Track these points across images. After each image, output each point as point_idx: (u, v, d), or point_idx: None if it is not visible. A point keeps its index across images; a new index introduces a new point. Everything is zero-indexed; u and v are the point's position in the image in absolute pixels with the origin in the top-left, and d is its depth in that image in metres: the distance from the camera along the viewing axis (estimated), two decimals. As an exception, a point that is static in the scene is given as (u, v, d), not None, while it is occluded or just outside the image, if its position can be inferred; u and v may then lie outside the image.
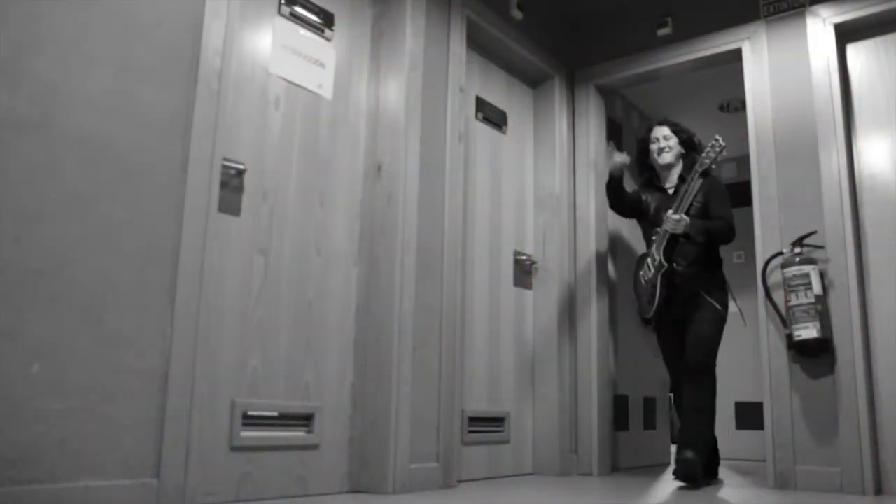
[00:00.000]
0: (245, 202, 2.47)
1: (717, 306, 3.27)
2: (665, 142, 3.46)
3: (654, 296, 3.29)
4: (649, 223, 3.47)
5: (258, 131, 2.55)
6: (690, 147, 3.49)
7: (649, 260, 3.35)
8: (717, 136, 3.22)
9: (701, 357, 3.19)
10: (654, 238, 3.36)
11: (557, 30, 4.09)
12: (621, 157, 3.43)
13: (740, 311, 3.75)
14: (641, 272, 3.42)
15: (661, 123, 3.54)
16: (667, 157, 3.44)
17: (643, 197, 3.54)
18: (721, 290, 3.33)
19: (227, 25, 2.29)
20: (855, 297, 3.08)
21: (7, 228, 1.73)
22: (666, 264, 3.26)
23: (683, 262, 3.28)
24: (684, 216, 3.20)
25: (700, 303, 3.27)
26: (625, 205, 3.54)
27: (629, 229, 4.46)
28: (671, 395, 3.28)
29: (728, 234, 3.29)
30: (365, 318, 2.82)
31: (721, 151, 3.20)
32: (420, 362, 2.84)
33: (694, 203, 3.30)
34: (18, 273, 1.73)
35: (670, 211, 3.21)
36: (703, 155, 3.23)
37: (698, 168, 3.22)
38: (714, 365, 3.27)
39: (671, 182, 3.48)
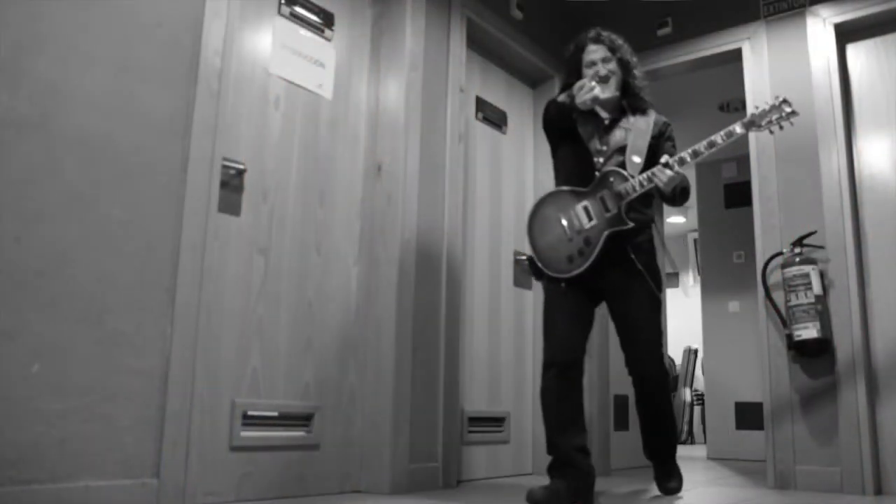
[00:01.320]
0: (245, 202, 2.47)
1: (654, 289, 2.66)
2: (604, 66, 2.74)
3: (582, 253, 2.52)
4: (578, 156, 2.67)
5: (258, 131, 2.55)
6: (626, 68, 2.80)
7: (587, 207, 2.57)
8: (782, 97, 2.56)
9: (659, 365, 2.72)
10: (599, 174, 2.60)
11: (557, 30, 4.09)
12: (594, 94, 2.48)
13: (670, 260, 3.26)
14: (565, 220, 2.58)
15: (595, 40, 2.80)
16: (609, 90, 2.71)
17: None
18: (652, 258, 2.70)
19: (227, 25, 2.29)
20: (855, 297, 3.08)
21: (7, 228, 1.73)
22: (630, 223, 2.53)
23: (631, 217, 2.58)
24: (679, 171, 2.54)
25: (633, 278, 2.61)
26: (558, 132, 2.74)
27: (629, 229, 4.46)
28: (545, 388, 2.54)
29: (688, 195, 2.74)
30: (365, 318, 2.82)
31: (787, 117, 2.52)
32: (420, 362, 2.84)
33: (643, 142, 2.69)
34: (18, 273, 1.73)
35: (668, 160, 2.52)
36: (762, 113, 2.53)
37: (748, 128, 2.54)
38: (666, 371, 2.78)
39: (607, 111, 2.75)
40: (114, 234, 1.94)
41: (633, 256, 2.59)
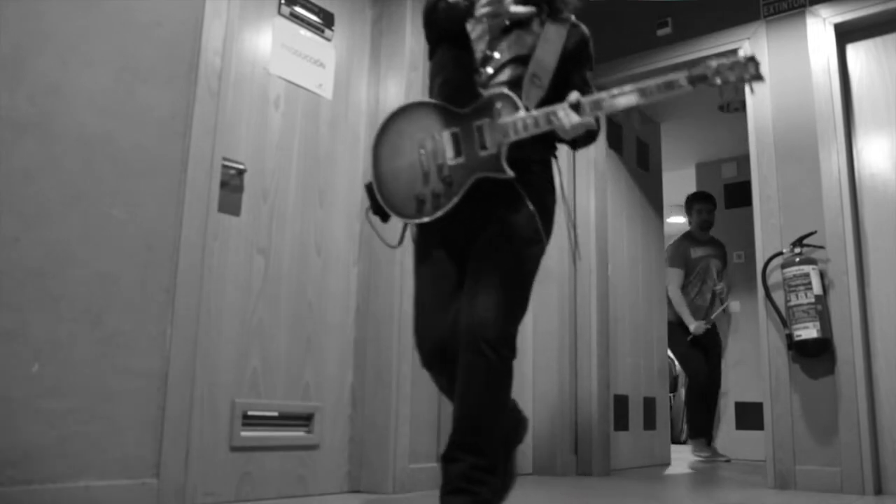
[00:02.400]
0: (245, 202, 2.47)
1: (539, 230, 1.90)
2: None
3: (437, 198, 1.84)
4: (459, 63, 1.97)
5: (258, 131, 2.55)
6: None
7: (457, 135, 1.85)
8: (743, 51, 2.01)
9: (502, 340, 1.77)
10: (484, 94, 1.87)
11: (557, 30, 4.09)
12: (508, 8, 1.89)
13: (573, 234, 2.19)
14: (425, 146, 1.87)
15: None
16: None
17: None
18: (545, 201, 1.96)
19: (227, 25, 2.29)
20: (855, 297, 3.08)
21: (7, 228, 1.73)
22: (508, 173, 1.80)
23: (522, 153, 1.87)
24: (590, 118, 1.79)
25: (515, 207, 1.88)
26: (439, 32, 2.04)
27: (629, 229, 4.46)
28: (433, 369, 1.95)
29: (594, 138, 2.05)
30: (365, 318, 2.82)
31: (749, 80, 1.71)
32: (420, 362, 2.84)
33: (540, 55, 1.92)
34: (18, 273, 1.73)
35: (578, 100, 1.78)
36: (720, 67, 1.72)
37: (694, 82, 1.72)
38: (515, 337, 1.81)
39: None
40: (114, 234, 1.94)
41: (522, 194, 1.88)
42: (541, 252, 1.90)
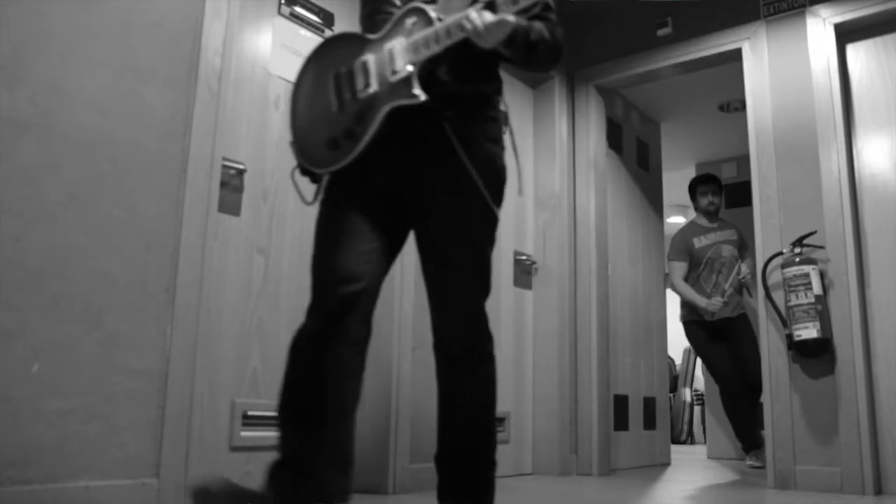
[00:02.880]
0: (245, 202, 2.47)
1: (490, 205, 1.62)
2: None
3: (351, 136, 1.56)
4: None
5: (258, 131, 2.55)
6: None
7: (367, 63, 1.58)
8: None
9: (477, 332, 1.74)
10: (396, 11, 1.61)
11: (557, 30, 4.09)
12: None
13: (519, 172, 1.88)
14: (333, 86, 1.63)
15: None
16: None
17: None
18: (492, 159, 1.66)
19: (227, 25, 2.29)
20: (855, 297, 3.08)
21: (7, 228, 1.72)
22: (418, 96, 1.51)
23: (447, 77, 1.59)
24: (513, 16, 1.48)
25: (455, 184, 1.59)
26: None
27: (629, 229, 4.46)
28: (294, 342, 1.62)
29: (556, 53, 1.72)
30: (365, 318, 2.82)
31: None
32: (420, 362, 2.84)
33: None
34: (18, 273, 1.73)
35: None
36: None
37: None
38: (486, 325, 1.75)
39: None
40: (114, 234, 1.94)
41: (457, 146, 1.57)
42: (494, 226, 1.66)
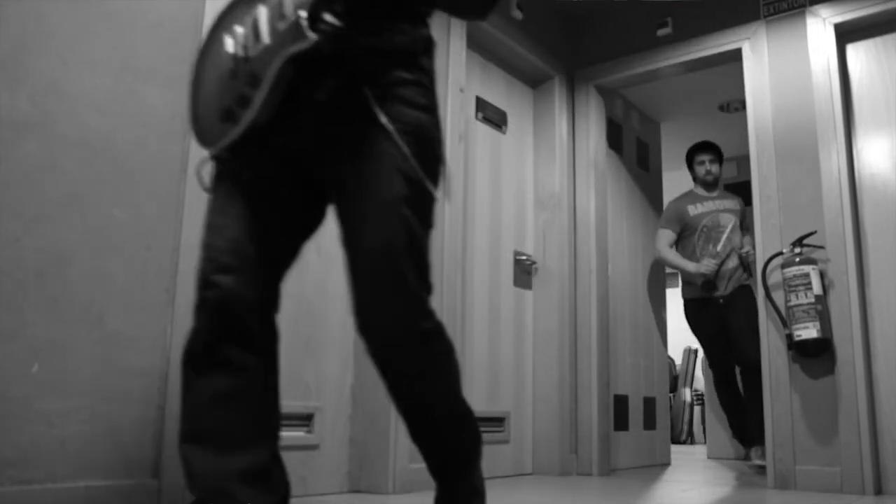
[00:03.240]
0: (245, 202, 2.47)
1: (418, 173, 1.31)
2: None
3: (244, 103, 1.30)
4: None
5: (258, 131, 2.55)
6: None
7: (257, 18, 1.32)
8: None
9: (413, 319, 1.32)
10: None
11: (557, 30, 4.09)
12: None
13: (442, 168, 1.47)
14: (231, 42, 1.37)
15: None
16: None
17: None
18: (423, 121, 1.35)
19: (227, 25, 2.28)
20: (855, 297, 3.08)
21: (7, 228, 1.73)
22: (310, 35, 1.23)
23: (346, 21, 1.27)
24: None
25: (374, 147, 1.30)
26: None
27: (629, 229, 4.46)
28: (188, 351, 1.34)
29: None
30: (365, 318, 2.82)
31: None
32: (420, 362, 2.84)
33: None
34: (18, 273, 1.73)
35: None
36: None
37: None
38: (427, 306, 1.35)
39: None
40: (114, 234, 1.94)
41: (375, 109, 1.28)
42: (430, 206, 1.35)
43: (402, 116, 1.30)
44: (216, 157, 1.36)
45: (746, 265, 4.04)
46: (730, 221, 4.07)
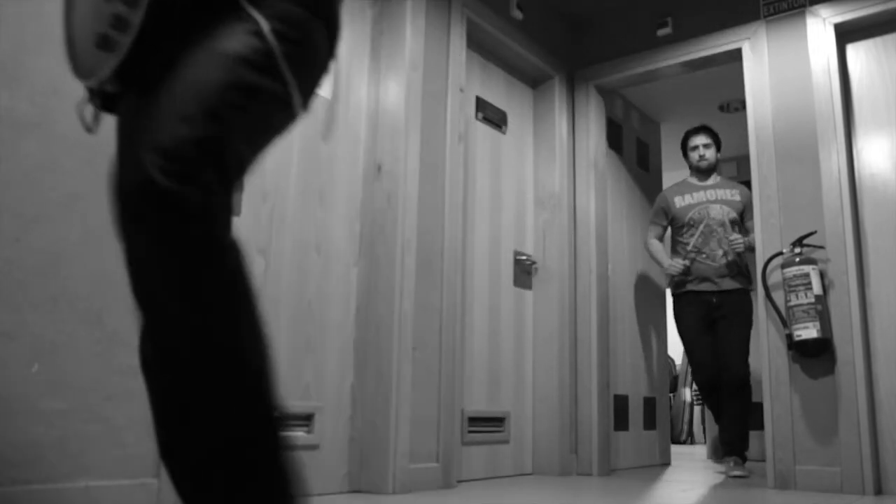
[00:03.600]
0: (245, 202, 2.47)
1: (273, 60, 1.00)
2: None
3: (119, 26, 1.02)
4: None
5: (258, 131, 2.55)
6: None
7: None
8: None
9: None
10: None
11: (557, 30, 4.09)
12: None
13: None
14: None
15: None
16: None
17: None
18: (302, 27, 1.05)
19: (227, 25, 2.28)
20: (855, 297, 3.08)
21: (7, 228, 1.73)
22: None
23: None
24: None
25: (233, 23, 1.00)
26: None
27: (629, 229, 4.46)
28: None
29: None
30: (365, 318, 2.82)
31: None
32: (420, 362, 2.84)
33: None
34: (18, 273, 1.73)
35: None
36: None
37: None
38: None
39: None
40: (114, 235, 1.93)
41: (252, 13, 1.01)
42: (278, 94, 1.03)
43: (274, 6, 1.03)
44: (98, 97, 1.15)
45: (739, 264, 3.74)
46: (722, 214, 3.75)
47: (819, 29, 3.36)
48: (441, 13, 3.22)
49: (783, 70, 3.43)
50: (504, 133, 3.76)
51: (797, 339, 3.08)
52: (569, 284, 3.83)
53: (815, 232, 3.19)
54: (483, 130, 3.61)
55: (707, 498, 2.78)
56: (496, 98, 3.74)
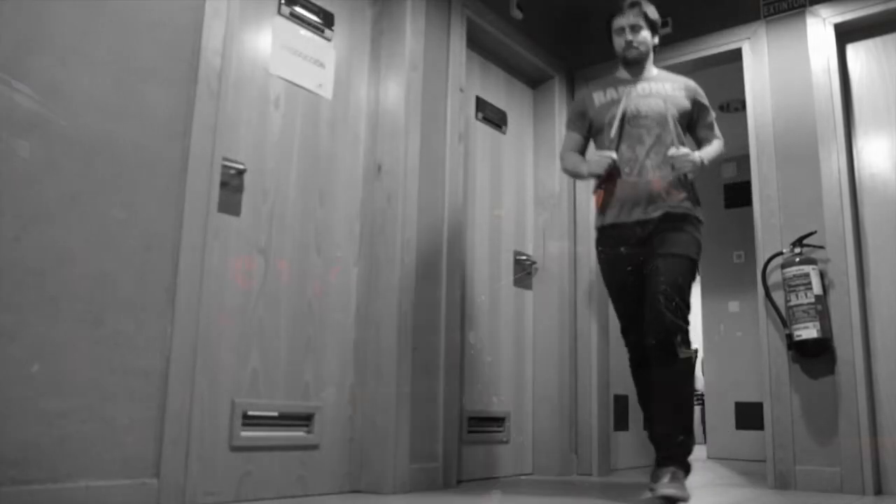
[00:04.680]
0: (245, 202, 2.47)
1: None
2: None
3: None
4: None
5: (258, 131, 2.55)
6: None
7: None
8: None
9: None
10: None
11: (557, 30, 4.09)
12: None
13: None
14: None
15: None
16: None
17: None
18: None
19: (227, 25, 2.29)
20: (855, 297, 3.08)
21: (7, 228, 1.73)
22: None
23: None
24: None
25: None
26: None
27: (629, 229, 4.46)
28: None
29: None
30: (365, 318, 2.82)
31: None
32: (420, 362, 2.84)
33: None
34: (18, 273, 1.73)
35: None
36: None
37: None
38: None
39: None
40: (114, 234, 1.94)
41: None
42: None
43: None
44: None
45: (683, 182, 2.68)
46: (659, 111, 2.71)
47: (819, 29, 3.36)
48: (441, 13, 3.22)
49: (783, 70, 3.43)
50: (504, 133, 3.76)
51: (797, 339, 3.08)
52: (569, 284, 3.83)
53: (815, 232, 3.19)
54: (483, 130, 3.61)
55: (707, 498, 2.78)
56: (496, 98, 3.74)
